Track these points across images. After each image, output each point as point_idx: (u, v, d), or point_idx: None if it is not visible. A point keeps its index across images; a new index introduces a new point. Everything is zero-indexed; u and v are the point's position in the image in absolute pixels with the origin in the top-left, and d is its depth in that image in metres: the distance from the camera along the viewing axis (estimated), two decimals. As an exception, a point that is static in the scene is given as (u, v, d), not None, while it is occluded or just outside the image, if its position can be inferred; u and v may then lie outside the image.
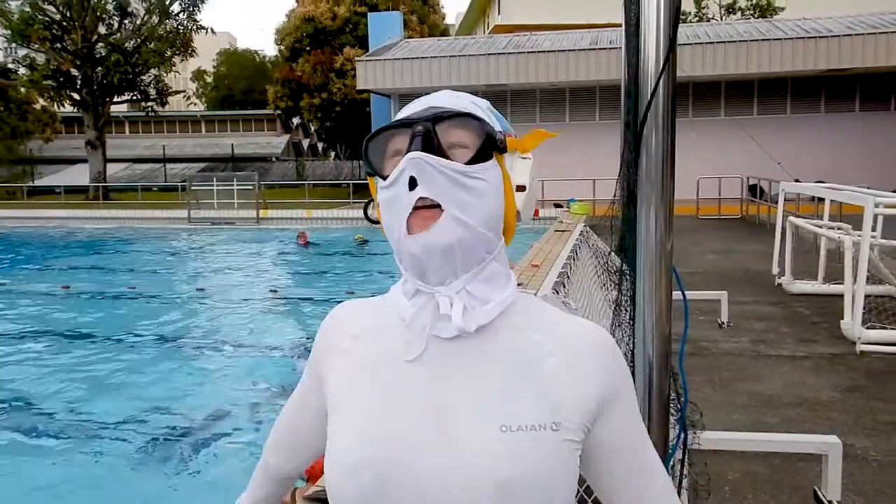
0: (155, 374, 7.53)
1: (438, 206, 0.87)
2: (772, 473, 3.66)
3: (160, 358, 8.21)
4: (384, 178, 0.91)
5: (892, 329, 6.18)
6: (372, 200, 1.10)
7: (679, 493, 1.95)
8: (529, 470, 0.85)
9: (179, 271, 14.50)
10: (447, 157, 0.88)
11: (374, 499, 0.87)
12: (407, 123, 0.90)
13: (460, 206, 0.87)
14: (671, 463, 2.08)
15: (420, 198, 0.87)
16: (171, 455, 5.60)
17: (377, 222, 1.12)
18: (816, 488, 2.97)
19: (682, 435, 2.11)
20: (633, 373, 2.00)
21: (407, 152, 0.87)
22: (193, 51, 32.89)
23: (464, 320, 0.89)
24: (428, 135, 0.87)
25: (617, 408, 0.92)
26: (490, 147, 0.91)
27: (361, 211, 20.21)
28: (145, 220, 22.60)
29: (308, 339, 8.92)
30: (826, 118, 22.47)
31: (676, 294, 1.88)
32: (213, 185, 23.43)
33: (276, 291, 12.00)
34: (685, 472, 2.27)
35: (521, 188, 0.95)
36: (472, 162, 0.89)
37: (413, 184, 0.87)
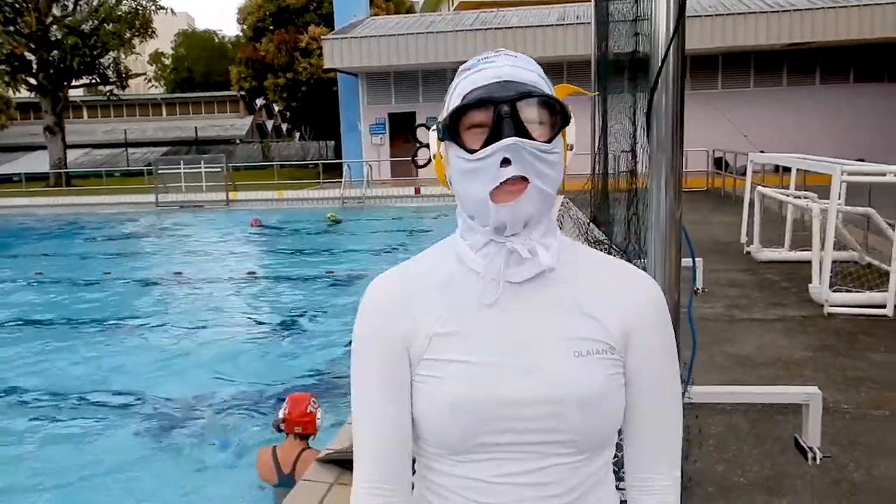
0: (134, 358, 7.57)
1: (523, 178, 0.98)
2: (752, 427, 3.87)
3: (139, 341, 8.23)
4: (467, 151, 0.99)
5: (857, 292, 6.46)
6: (420, 146, 1.15)
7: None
8: (601, 386, 1.02)
9: (154, 255, 14.40)
10: (528, 134, 0.98)
11: (478, 423, 1.00)
12: (489, 102, 0.98)
13: (542, 178, 0.99)
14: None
15: (512, 176, 0.98)
16: (154, 439, 5.70)
17: (423, 166, 1.21)
18: (797, 436, 3.17)
19: (686, 388, 2.28)
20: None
21: (494, 129, 0.97)
22: (153, 32, 32.24)
23: (549, 259, 1.03)
24: (514, 116, 0.97)
25: (646, 340, 1.07)
26: (564, 124, 1.03)
27: (347, 199, 20.17)
28: (111, 206, 22.28)
29: (291, 318, 8.99)
30: (788, 91, 22.90)
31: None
32: (179, 169, 23.18)
33: (254, 273, 12.02)
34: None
35: (570, 147, 1.07)
36: (549, 139, 1.00)
37: (505, 162, 0.97)
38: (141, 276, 11.90)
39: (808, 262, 7.22)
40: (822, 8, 20.58)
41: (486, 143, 0.98)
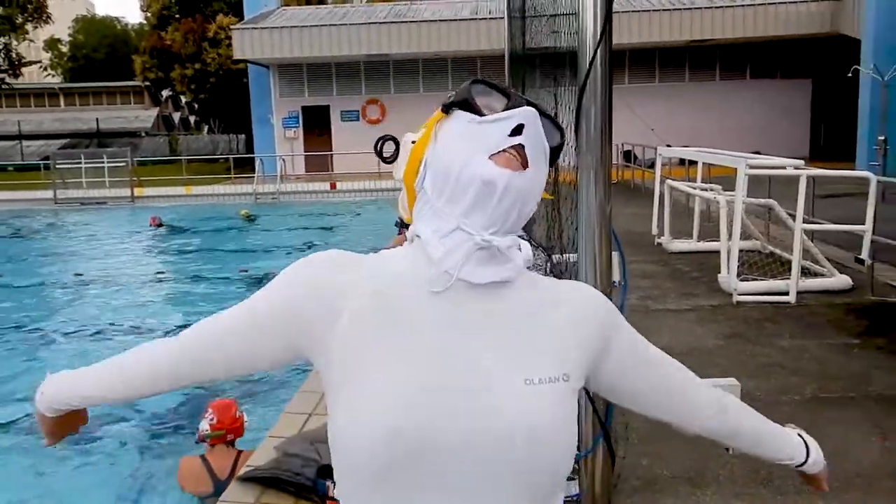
0: (30, 366, 7.14)
1: (524, 162, 0.94)
2: (672, 417, 3.96)
3: (34, 350, 7.79)
4: (478, 114, 0.95)
5: (762, 280, 6.75)
6: (386, 138, 1.11)
7: (598, 445, 2.12)
8: (551, 417, 0.93)
9: (51, 256, 13.65)
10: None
11: (406, 454, 0.88)
12: (510, 96, 0.97)
13: (538, 175, 0.96)
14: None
15: (516, 145, 0.93)
16: (47, 457, 5.37)
17: (389, 161, 1.14)
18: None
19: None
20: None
21: (513, 107, 0.95)
22: (48, 17, 30.59)
23: (521, 263, 0.97)
24: (534, 114, 0.95)
25: (614, 347, 1.04)
26: (555, 159, 1.00)
27: (260, 194, 19.67)
28: (3, 203, 21.00)
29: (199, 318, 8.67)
30: (691, 86, 23.80)
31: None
32: (80, 164, 22.08)
33: (161, 273, 11.56)
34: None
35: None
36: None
37: (516, 132, 0.93)
38: (37, 278, 11.26)
39: (716, 252, 7.49)
40: (721, 7, 21.45)
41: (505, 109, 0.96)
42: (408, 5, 24.54)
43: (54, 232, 16.93)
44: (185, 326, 1.04)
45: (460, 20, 22.04)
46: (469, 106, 0.97)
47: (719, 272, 7.02)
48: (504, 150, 0.93)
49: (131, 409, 5.96)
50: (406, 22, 22.24)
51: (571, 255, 4.30)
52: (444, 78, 23.73)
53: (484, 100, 0.97)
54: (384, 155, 1.14)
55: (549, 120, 0.99)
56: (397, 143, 1.16)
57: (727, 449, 1.30)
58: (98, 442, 5.49)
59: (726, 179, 8.98)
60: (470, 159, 0.93)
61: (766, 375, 4.67)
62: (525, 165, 0.94)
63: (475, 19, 21.88)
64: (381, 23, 22.33)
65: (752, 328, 5.73)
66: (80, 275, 11.43)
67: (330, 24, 22.47)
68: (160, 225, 16.06)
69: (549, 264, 5.26)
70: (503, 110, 0.95)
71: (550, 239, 5.02)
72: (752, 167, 6.97)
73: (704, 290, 7.02)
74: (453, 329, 0.94)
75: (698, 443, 3.79)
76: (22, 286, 10.77)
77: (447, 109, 0.99)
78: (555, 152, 1.00)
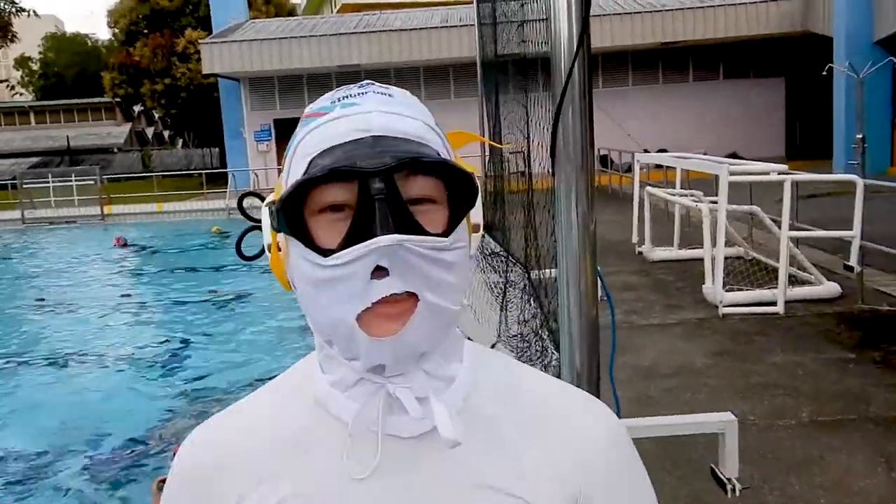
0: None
1: (410, 293, 0.64)
2: (663, 450, 3.70)
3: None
4: (318, 251, 0.64)
5: (748, 290, 6.52)
6: (250, 228, 0.81)
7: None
8: None
9: (16, 279, 13.19)
10: (414, 223, 0.63)
11: None
12: (351, 174, 0.62)
13: (439, 290, 0.64)
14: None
15: (390, 288, 0.63)
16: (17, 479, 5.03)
17: (254, 258, 0.82)
18: (713, 465, 2.99)
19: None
20: (559, 360, 1.94)
21: (359, 216, 0.62)
22: (14, 36, 30.01)
23: (439, 415, 0.66)
24: (392, 196, 0.62)
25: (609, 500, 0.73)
26: (470, 203, 0.67)
27: (233, 209, 19.26)
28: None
29: (171, 346, 8.32)
30: (664, 88, 23.72)
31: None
32: (48, 182, 21.60)
33: (128, 295, 11.16)
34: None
35: (476, 229, 0.72)
36: (447, 229, 0.65)
37: (379, 272, 0.62)
38: (6, 304, 10.83)
39: (699, 260, 7.28)
40: (692, 8, 21.41)
41: (349, 238, 0.62)
42: (378, 14, 24.28)
43: (17, 254, 16.43)
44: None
45: (431, 28, 21.81)
46: (304, 243, 0.65)
47: (703, 282, 6.80)
48: (374, 304, 0.63)
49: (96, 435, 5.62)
50: (376, 31, 21.97)
51: (548, 270, 4.06)
52: (416, 86, 23.48)
53: (317, 197, 0.65)
54: (244, 253, 0.84)
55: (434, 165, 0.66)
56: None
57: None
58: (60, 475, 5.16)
59: (705, 183, 8.79)
60: (338, 322, 0.65)
61: (759, 396, 4.43)
62: (414, 297, 0.63)
63: (445, 27, 21.66)
64: (351, 33, 22.05)
65: (741, 343, 5.49)
66: (42, 299, 11.00)
67: (300, 36, 22.16)
68: (125, 245, 15.60)
69: (527, 281, 5.01)
70: (350, 227, 0.63)
71: (528, 252, 4.76)
72: (733, 174, 6.76)
73: (689, 301, 6.79)
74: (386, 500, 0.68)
75: (691, 475, 3.50)
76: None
77: (275, 226, 0.69)
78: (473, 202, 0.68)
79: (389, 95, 0.69)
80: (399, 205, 0.62)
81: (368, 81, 0.72)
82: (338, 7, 35.69)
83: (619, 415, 2.17)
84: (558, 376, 2.49)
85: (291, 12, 34.16)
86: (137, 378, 7.33)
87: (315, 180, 0.63)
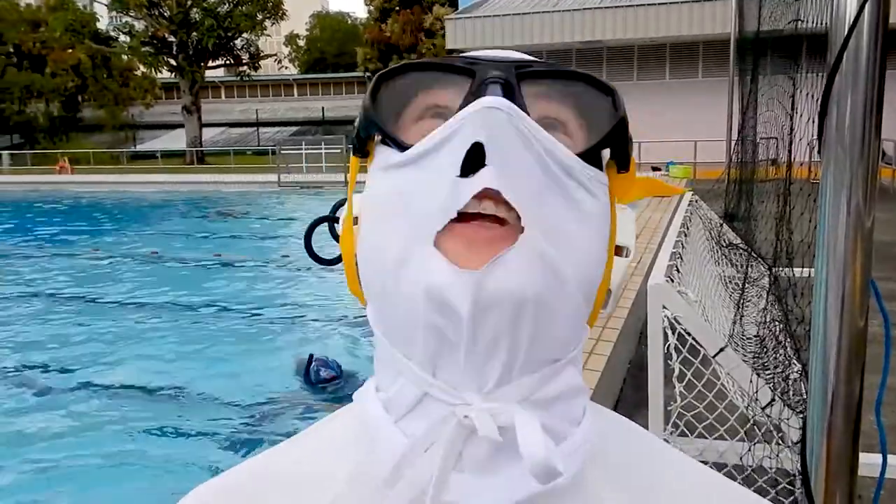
0: (245, 345, 7.32)
1: (507, 221, 0.44)
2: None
3: (246, 328, 8.04)
4: (403, 148, 0.47)
5: None
6: (330, 219, 0.61)
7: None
8: None
9: (268, 238, 14.47)
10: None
11: None
12: (467, 69, 0.48)
13: (554, 231, 0.45)
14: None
15: (486, 190, 0.43)
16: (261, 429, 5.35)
17: (330, 262, 0.53)
18: None
19: (883, 462, 1.59)
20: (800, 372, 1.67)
21: (468, 103, 0.45)
22: (284, 13, 33.06)
23: (542, 451, 0.42)
24: (513, 88, 0.46)
25: None
26: (617, 142, 0.49)
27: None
28: (237, 185, 22.96)
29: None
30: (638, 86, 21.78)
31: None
32: (301, 149, 23.57)
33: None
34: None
35: (620, 251, 0.52)
36: (584, 156, 0.48)
37: (476, 161, 0.43)
38: (250, 261, 11.88)
39: None
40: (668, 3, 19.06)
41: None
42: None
43: (273, 213, 18.08)
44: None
45: (681, 3, 20.51)
46: (383, 130, 0.49)
47: None
48: (459, 218, 0.44)
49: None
50: (622, 7, 21.12)
51: (799, 269, 3.46)
52: (660, 66, 22.35)
53: (422, 99, 0.50)
54: (319, 255, 0.64)
55: (568, 76, 0.50)
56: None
57: None
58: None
59: None
60: (404, 254, 0.45)
61: None
62: (510, 224, 0.44)
63: (699, 1, 20.25)
64: (595, 8, 21.41)
65: None
66: (287, 256, 11.91)
67: (542, 11, 21.95)
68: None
69: (770, 279, 4.36)
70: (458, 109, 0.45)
71: (778, 247, 4.13)
72: None
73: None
74: None
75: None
76: (230, 266, 11.42)
77: (359, 147, 0.52)
78: (615, 134, 0.49)
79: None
80: (516, 102, 0.45)
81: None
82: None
83: (884, 453, 1.72)
84: (804, 395, 2.10)
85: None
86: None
87: (417, 65, 0.50)
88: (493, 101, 0.43)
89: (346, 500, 0.49)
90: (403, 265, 0.45)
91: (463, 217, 0.43)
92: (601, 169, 0.49)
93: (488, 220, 0.43)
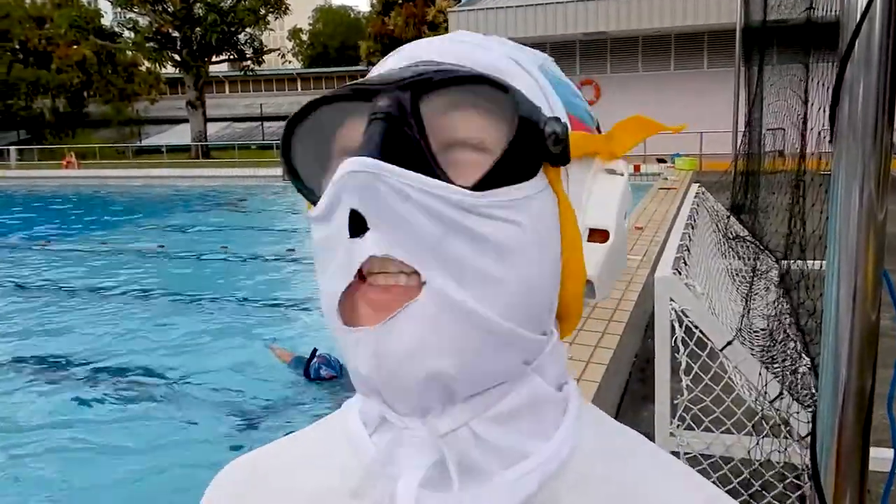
0: (249, 338, 7.33)
1: (419, 273, 0.43)
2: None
3: (250, 321, 8.05)
4: (314, 202, 0.47)
5: None
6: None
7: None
8: None
9: (270, 231, 14.49)
10: (439, 171, 0.43)
11: None
12: (364, 92, 0.46)
13: (465, 273, 0.43)
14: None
15: (372, 258, 0.43)
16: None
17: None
18: None
19: (895, 457, 1.57)
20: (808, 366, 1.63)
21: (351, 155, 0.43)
22: (287, 8, 33.02)
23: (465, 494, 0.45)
24: (400, 120, 0.43)
25: None
26: (530, 149, 0.45)
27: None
28: (242, 179, 23.02)
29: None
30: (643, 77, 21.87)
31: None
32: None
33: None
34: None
35: (598, 235, 0.48)
36: (487, 181, 0.43)
37: (357, 225, 0.42)
38: (255, 252, 11.91)
39: None
40: None
41: None
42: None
43: (276, 206, 18.09)
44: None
45: (687, -8, 20.43)
46: (296, 185, 0.50)
47: None
48: (360, 278, 0.44)
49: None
50: (624, -2, 21.07)
51: (810, 262, 3.43)
52: (666, 56, 22.24)
53: (338, 138, 0.49)
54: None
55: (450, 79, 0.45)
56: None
57: None
58: None
59: None
60: (327, 310, 0.47)
61: None
62: (415, 275, 0.43)
63: (704, -9, 20.16)
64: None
65: None
66: (292, 249, 11.92)
67: (545, 3, 21.86)
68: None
69: (779, 271, 4.34)
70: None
71: (789, 239, 4.10)
72: None
73: None
74: None
75: None
76: (244, 258, 11.45)
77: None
78: (520, 140, 0.44)
79: (480, 36, 0.51)
80: (401, 135, 0.43)
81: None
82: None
83: (895, 447, 1.69)
84: (813, 389, 2.09)
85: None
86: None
87: (321, 100, 0.48)
88: (356, 163, 0.41)
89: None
90: (329, 318, 0.46)
91: (373, 272, 0.43)
92: (533, 174, 0.45)
93: (395, 275, 0.43)
